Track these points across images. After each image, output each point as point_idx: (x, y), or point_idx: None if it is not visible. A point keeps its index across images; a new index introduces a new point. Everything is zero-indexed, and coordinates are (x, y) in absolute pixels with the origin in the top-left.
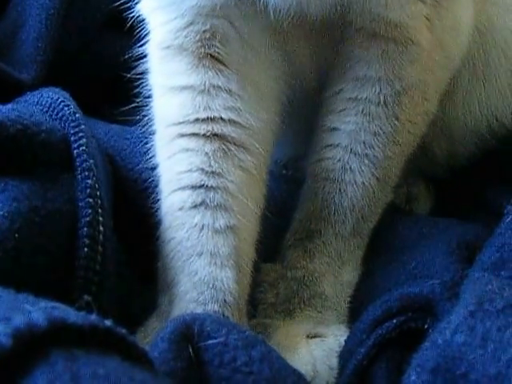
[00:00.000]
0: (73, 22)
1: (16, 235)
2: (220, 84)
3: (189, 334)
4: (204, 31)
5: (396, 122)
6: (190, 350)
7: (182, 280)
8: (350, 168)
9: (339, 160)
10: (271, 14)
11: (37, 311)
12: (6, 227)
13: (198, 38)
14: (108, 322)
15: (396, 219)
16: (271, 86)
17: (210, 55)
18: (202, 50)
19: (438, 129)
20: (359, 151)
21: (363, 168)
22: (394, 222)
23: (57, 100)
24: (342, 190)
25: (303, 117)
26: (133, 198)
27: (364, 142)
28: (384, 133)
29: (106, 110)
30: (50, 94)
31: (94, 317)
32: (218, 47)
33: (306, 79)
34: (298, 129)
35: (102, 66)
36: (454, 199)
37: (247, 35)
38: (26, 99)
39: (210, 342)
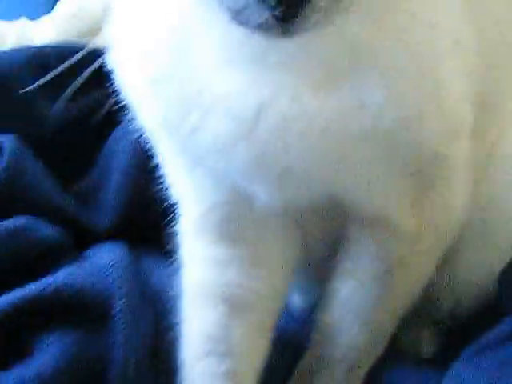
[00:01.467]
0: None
1: None
2: (237, 258)
3: None
4: (222, 215)
5: (387, 292)
6: None
7: None
8: (345, 327)
9: (337, 319)
10: (261, 203)
11: None
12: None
13: (218, 220)
14: None
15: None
16: (285, 257)
17: (229, 235)
18: (223, 228)
19: (443, 284)
20: (350, 309)
21: (357, 327)
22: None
23: (114, 264)
24: (336, 342)
25: (315, 271)
26: None
27: (358, 303)
28: (378, 299)
29: None
30: (111, 255)
31: None
32: (235, 227)
33: (314, 249)
34: (311, 281)
35: None
36: (458, 343)
37: (260, 220)
38: (92, 259)
39: None
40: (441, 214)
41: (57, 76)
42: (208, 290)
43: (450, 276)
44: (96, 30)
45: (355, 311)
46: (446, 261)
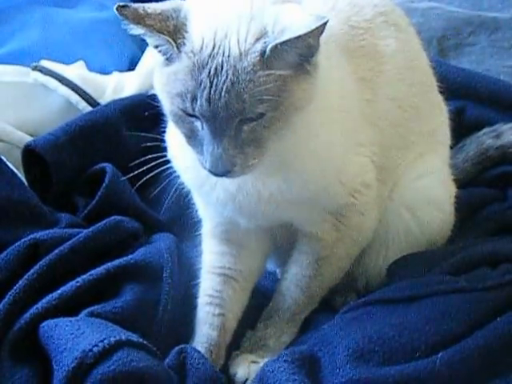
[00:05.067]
0: None
1: None
2: (233, 253)
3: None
4: (223, 229)
5: (316, 275)
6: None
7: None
8: (290, 292)
9: (285, 287)
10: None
11: None
12: None
13: (220, 231)
14: None
15: None
16: (259, 251)
17: (227, 239)
18: (223, 236)
19: (360, 270)
20: (294, 282)
21: (297, 293)
22: None
23: (166, 248)
24: (285, 299)
25: (279, 254)
26: None
27: (299, 279)
28: (309, 278)
29: None
30: (165, 242)
31: None
32: (231, 235)
33: (278, 244)
34: (278, 258)
35: None
36: None
37: (244, 231)
38: (155, 243)
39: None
40: (357, 232)
41: (138, 120)
42: (212, 269)
43: (363, 266)
44: None
45: (295, 284)
46: (362, 257)
